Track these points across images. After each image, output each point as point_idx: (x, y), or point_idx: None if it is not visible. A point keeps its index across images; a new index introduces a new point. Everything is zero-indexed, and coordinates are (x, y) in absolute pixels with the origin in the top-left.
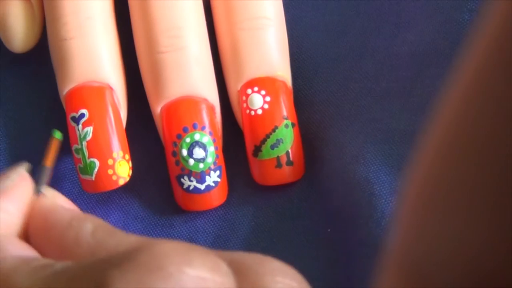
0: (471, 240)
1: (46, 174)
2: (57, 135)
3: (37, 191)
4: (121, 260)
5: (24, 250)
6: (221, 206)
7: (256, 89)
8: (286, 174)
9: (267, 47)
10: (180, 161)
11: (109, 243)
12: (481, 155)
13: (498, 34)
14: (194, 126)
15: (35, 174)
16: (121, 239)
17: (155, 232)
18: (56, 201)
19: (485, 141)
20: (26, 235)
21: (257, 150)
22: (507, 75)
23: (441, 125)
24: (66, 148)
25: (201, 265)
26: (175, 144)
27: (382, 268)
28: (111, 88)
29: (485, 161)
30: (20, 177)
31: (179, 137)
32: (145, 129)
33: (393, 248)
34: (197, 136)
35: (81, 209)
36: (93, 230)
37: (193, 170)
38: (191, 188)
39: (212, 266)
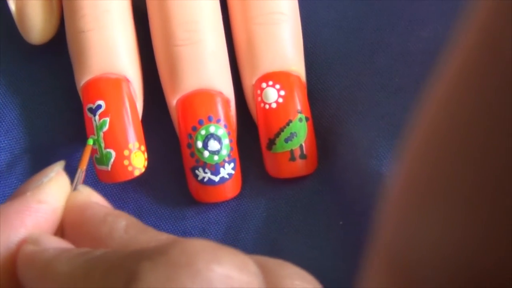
0: (466, 240)
1: (81, 176)
2: (90, 141)
3: (74, 189)
4: (153, 254)
5: (61, 243)
6: (234, 197)
7: (270, 83)
8: (299, 167)
9: (281, 42)
10: (195, 153)
11: (141, 239)
12: (475, 149)
13: (483, 29)
14: (209, 119)
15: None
16: (152, 236)
17: (168, 223)
18: (91, 198)
19: (478, 135)
20: (62, 228)
21: (271, 143)
22: (489, 68)
23: (431, 118)
24: (82, 139)
25: (229, 263)
26: (190, 136)
27: (371, 267)
28: (127, 80)
29: (481, 156)
30: (56, 174)
31: (194, 129)
32: (160, 121)
33: (381, 247)
34: (212, 129)
35: None
36: (126, 226)
37: (207, 162)
38: (205, 180)
39: (240, 265)
